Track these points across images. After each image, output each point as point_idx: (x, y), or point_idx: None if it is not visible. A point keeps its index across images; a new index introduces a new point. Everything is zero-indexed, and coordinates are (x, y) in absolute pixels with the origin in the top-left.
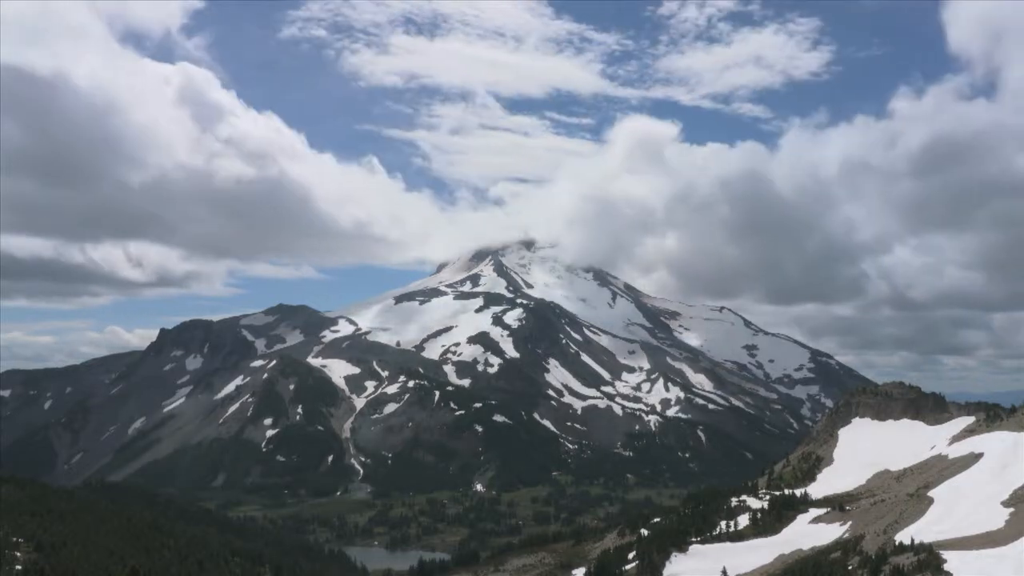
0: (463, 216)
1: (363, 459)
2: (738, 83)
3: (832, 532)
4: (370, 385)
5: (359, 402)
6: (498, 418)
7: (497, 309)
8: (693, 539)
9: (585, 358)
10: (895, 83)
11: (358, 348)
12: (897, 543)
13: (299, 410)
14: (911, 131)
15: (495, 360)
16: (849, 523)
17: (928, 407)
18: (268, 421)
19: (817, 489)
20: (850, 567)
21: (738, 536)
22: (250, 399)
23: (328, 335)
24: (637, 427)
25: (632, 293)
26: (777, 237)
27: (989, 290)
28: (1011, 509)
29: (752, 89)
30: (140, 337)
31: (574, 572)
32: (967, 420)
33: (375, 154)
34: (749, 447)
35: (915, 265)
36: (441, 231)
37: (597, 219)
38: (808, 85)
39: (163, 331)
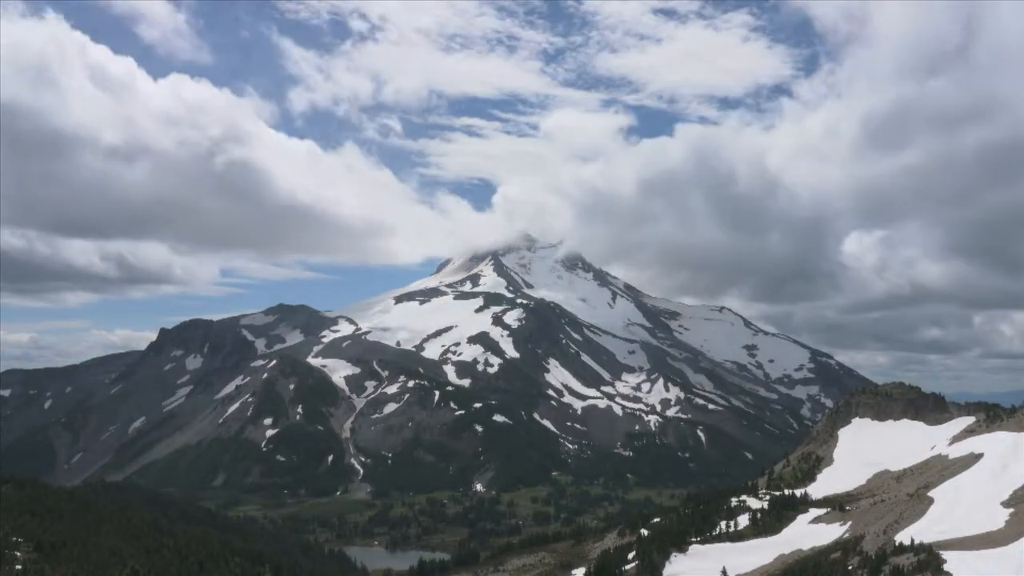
0: (440, 216)
1: (363, 459)
2: (678, 80)
3: (832, 532)
4: (370, 385)
5: (359, 402)
6: (498, 418)
7: (497, 309)
8: (693, 539)
9: (585, 358)
10: (831, 68)
11: (358, 348)
12: (897, 543)
13: (299, 410)
14: (856, 112)
15: (495, 360)
16: (849, 523)
17: (928, 407)
18: (268, 421)
19: (817, 489)
20: (850, 567)
21: (738, 536)
22: (250, 399)
23: (328, 335)
24: (637, 427)
25: (632, 293)
26: (741, 234)
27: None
28: (1011, 509)
29: (694, 85)
30: (121, 337)
31: (574, 572)
32: (967, 420)
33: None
34: (749, 447)
35: (878, 258)
36: (420, 229)
37: (574, 214)
38: (749, 79)
39: (163, 331)
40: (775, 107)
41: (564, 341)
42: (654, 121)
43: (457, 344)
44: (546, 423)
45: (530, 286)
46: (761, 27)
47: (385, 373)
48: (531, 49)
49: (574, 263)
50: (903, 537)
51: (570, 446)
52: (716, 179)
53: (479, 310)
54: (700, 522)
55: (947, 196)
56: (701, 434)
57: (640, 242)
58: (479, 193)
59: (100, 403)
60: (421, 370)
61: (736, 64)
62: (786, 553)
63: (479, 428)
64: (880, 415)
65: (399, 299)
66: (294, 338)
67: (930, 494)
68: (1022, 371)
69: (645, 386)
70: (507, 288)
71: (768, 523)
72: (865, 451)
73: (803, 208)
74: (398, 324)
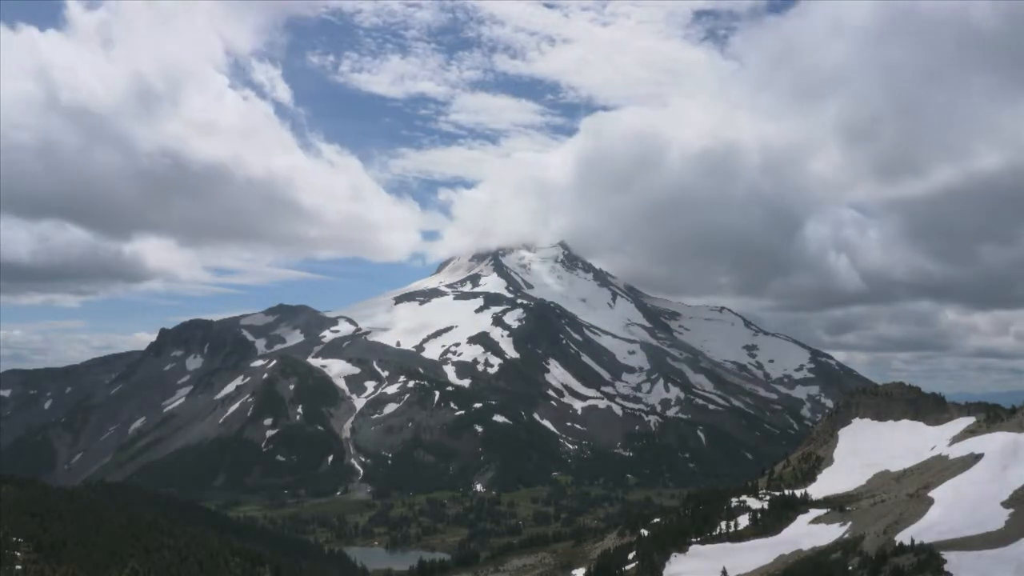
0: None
1: (363, 459)
2: (586, 79)
3: (832, 532)
4: (370, 385)
5: (359, 402)
6: (498, 418)
7: (497, 309)
8: (693, 539)
9: (585, 358)
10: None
11: (358, 348)
12: (897, 544)
13: (299, 410)
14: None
15: (495, 360)
16: (849, 523)
17: (928, 407)
18: (268, 421)
19: (817, 489)
20: (850, 567)
21: (738, 536)
22: (250, 399)
23: (328, 335)
24: (637, 427)
25: (632, 293)
26: (692, 220)
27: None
28: (1011, 509)
29: (606, 82)
30: (106, 340)
31: (574, 572)
32: (967, 420)
33: None
34: (749, 447)
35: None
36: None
37: (523, 210)
38: (656, 70)
39: (163, 331)
40: (686, 90)
41: (564, 341)
42: (573, 114)
43: (457, 344)
44: (546, 423)
45: (530, 286)
46: (647, 18)
47: (385, 373)
48: (427, 48)
49: (574, 263)
50: (903, 537)
51: (570, 446)
52: (651, 165)
53: (479, 310)
54: (700, 522)
55: (882, 165)
56: (701, 434)
57: (595, 233)
58: (423, 192)
59: (100, 403)
60: (421, 370)
61: (638, 57)
62: (786, 553)
63: (479, 428)
64: (880, 415)
65: (399, 299)
66: (294, 338)
67: (930, 494)
68: (1011, 371)
69: (645, 386)
70: (507, 288)
71: (768, 523)
72: (865, 451)
73: (742, 187)
74: (398, 324)
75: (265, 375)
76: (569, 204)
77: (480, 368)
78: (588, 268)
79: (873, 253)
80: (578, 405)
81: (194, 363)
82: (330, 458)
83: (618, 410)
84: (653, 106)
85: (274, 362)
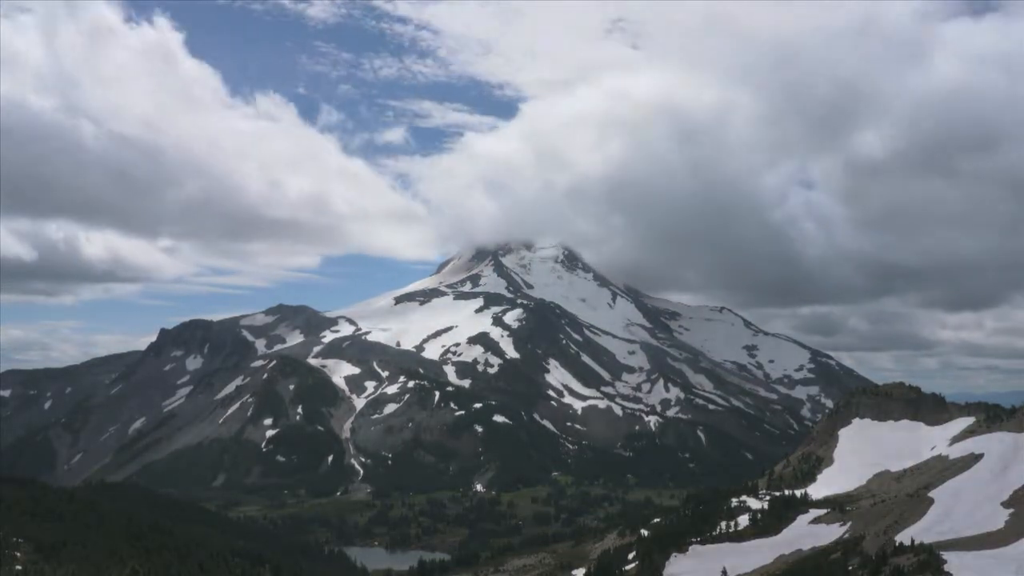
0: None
1: (363, 459)
2: (510, 79)
3: (832, 533)
4: (370, 385)
5: (359, 402)
6: (498, 418)
7: (497, 309)
8: (693, 539)
9: (585, 358)
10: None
11: (358, 348)
12: (897, 544)
13: (299, 410)
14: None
15: (495, 360)
16: (849, 524)
17: (928, 407)
18: (268, 421)
19: (817, 489)
20: (850, 568)
21: (738, 536)
22: (250, 399)
23: (328, 335)
24: (637, 427)
25: (632, 293)
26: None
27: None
28: (1011, 510)
29: (524, 81)
30: (98, 341)
31: (574, 572)
32: (967, 421)
33: None
34: (749, 447)
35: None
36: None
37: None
38: (582, 65)
39: (163, 331)
40: (601, 79)
41: (564, 341)
42: (502, 112)
43: (457, 344)
44: (546, 423)
45: (530, 286)
46: (553, 8)
47: (385, 373)
48: (326, 46)
49: (574, 263)
50: (903, 537)
51: (570, 446)
52: (586, 153)
53: (479, 310)
54: (700, 522)
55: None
56: (701, 434)
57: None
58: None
59: (100, 403)
60: (421, 370)
61: (550, 51)
62: (786, 553)
63: (479, 428)
64: (880, 415)
65: (399, 299)
66: (294, 338)
67: (930, 494)
68: (1001, 371)
69: (645, 386)
70: (507, 288)
71: (768, 523)
72: (865, 451)
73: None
74: (398, 324)
75: (265, 375)
76: (514, 196)
77: (480, 368)
78: (588, 268)
79: (831, 240)
80: (578, 405)
81: (194, 363)
82: (330, 458)
83: (618, 410)
84: (574, 96)
85: (274, 362)
